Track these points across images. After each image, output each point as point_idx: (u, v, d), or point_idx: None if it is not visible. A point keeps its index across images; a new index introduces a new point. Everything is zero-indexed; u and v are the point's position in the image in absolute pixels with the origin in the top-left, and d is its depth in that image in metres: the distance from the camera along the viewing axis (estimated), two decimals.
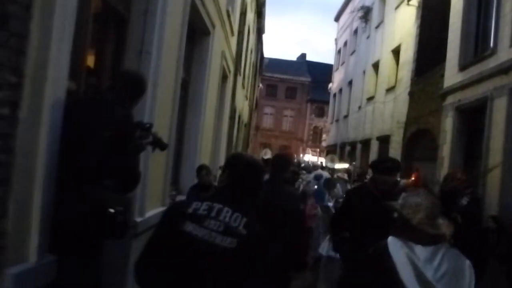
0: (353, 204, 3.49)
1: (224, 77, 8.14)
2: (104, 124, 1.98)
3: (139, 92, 2.32)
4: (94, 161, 1.95)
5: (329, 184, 7.40)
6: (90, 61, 2.73)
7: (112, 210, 1.93)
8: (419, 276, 1.69)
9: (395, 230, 1.90)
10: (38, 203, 1.81)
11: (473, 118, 8.32)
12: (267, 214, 2.56)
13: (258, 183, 2.01)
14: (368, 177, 4.58)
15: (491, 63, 7.53)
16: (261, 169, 2.06)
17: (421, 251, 1.76)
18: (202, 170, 5.08)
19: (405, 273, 1.71)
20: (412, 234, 1.82)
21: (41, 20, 1.68)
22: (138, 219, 3.22)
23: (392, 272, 1.72)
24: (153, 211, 3.58)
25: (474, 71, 8.14)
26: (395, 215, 2.18)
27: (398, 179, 4.67)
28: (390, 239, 1.85)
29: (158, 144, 2.30)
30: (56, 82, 1.85)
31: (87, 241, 1.99)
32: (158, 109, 3.38)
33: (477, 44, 8.68)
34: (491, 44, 7.78)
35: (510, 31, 7.00)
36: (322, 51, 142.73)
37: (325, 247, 5.93)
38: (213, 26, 5.74)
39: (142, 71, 2.92)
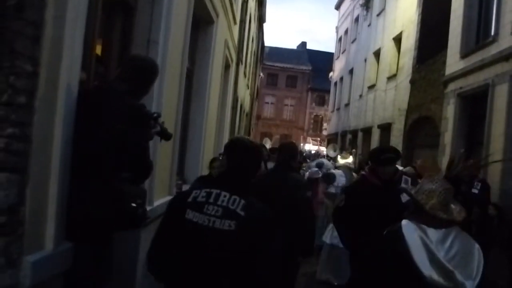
0: (355, 203, 3.36)
1: (227, 66, 8.12)
2: (117, 116, 1.97)
3: (150, 78, 2.27)
4: (112, 153, 1.95)
5: (328, 178, 7.42)
6: (98, 50, 2.72)
7: (134, 204, 1.98)
8: (432, 256, 1.75)
9: (409, 215, 1.95)
10: (54, 191, 1.82)
11: (475, 105, 8.32)
12: (275, 201, 2.58)
13: (255, 165, 1.98)
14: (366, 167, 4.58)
15: (492, 50, 7.50)
16: (259, 152, 2.04)
17: (433, 234, 1.82)
18: (214, 162, 5.05)
19: (418, 254, 1.77)
20: (425, 219, 1.87)
21: (55, 8, 1.68)
22: (148, 208, 3.24)
23: (406, 253, 1.78)
24: (161, 200, 3.60)
25: (476, 58, 8.12)
26: (403, 200, 2.21)
27: (399, 167, 4.67)
28: (404, 222, 1.90)
29: (164, 134, 2.30)
30: (70, 71, 1.85)
31: (104, 231, 2.02)
32: (164, 99, 3.38)
33: (479, 32, 8.65)
34: (493, 32, 7.76)
35: (511, 18, 6.97)
36: (323, 39, 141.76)
37: (328, 235, 5.96)
38: (217, 15, 5.71)
39: None
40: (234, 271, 1.74)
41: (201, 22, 5.53)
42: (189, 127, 5.60)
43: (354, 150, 15.73)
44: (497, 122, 7.13)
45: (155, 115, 2.23)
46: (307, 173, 8.03)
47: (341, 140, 20.67)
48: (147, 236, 3.06)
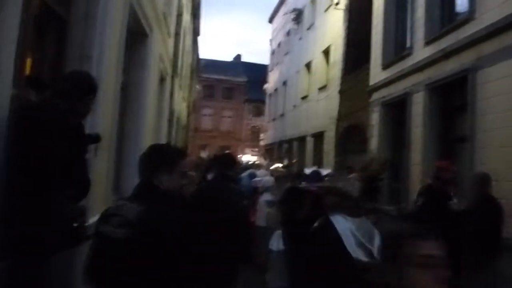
0: None
1: (162, 79, 8.14)
2: (59, 134, 1.99)
3: (88, 93, 2.30)
4: (57, 171, 1.96)
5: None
6: (31, 66, 2.70)
7: (75, 224, 1.99)
8: (357, 240, 2.11)
9: (332, 209, 2.30)
10: None
11: (397, 111, 9.05)
12: (212, 211, 2.74)
13: (152, 169, 1.93)
14: None
15: (409, 62, 8.27)
16: (158, 154, 2.00)
17: (354, 221, 2.21)
18: None
19: (348, 240, 2.11)
20: (344, 210, 2.24)
21: None
22: None
23: (338, 241, 2.11)
24: (97, 217, 3.57)
25: (396, 69, 8.88)
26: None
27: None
28: (331, 215, 2.25)
29: (92, 139, 2.34)
30: (1, 88, 1.86)
31: (43, 251, 2.01)
32: (99, 114, 3.38)
33: (397, 45, 9.46)
34: (408, 45, 8.54)
35: (423, 33, 7.75)
36: (259, 51, 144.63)
37: (274, 243, 6.14)
38: (151, 29, 5.76)
39: None
40: (154, 275, 1.75)
41: (136, 36, 5.54)
42: (125, 141, 5.54)
43: (295, 161, 16.29)
44: (416, 126, 7.83)
45: (95, 135, 2.29)
46: (253, 182, 8.15)
47: (278, 149, 21.20)
48: (83, 250, 3.04)
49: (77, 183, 2.14)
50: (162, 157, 1.93)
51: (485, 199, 4.37)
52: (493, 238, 4.13)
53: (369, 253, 2.06)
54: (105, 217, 1.84)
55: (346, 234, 2.12)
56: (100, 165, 3.60)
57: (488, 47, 5.85)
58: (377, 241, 2.13)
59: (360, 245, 2.09)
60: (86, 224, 3.18)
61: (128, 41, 4.82)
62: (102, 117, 3.48)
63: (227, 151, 22.83)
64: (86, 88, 2.30)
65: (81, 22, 3.11)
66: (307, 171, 7.33)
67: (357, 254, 2.06)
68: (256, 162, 16.24)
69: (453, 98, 7.14)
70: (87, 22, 3.13)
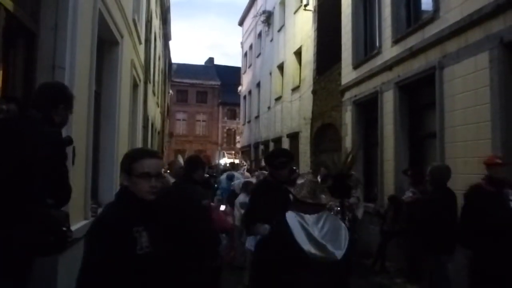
0: (262, 200, 3.68)
1: (135, 86, 8.08)
2: (37, 145, 2.00)
3: (63, 102, 2.33)
4: (37, 182, 1.98)
5: (246, 186, 7.70)
6: (1, 78, 2.67)
7: (64, 228, 2.02)
8: (309, 235, 2.28)
9: (290, 206, 2.51)
10: None
11: (368, 110, 9.27)
12: (172, 213, 2.87)
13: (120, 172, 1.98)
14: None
15: (378, 61, 8.48)
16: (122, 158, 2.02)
17: (309, 218, 2.35)
18: None
19: (298, 234, 2.29)
20: (300, 207, 2.42)
21: None
22: None
23: (289, 235, 2.29)
24: (77, 225, 3.56)
25: (366, 68, 9.09)
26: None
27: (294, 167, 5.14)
28: (287, 212, 2.43)
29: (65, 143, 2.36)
30: None
31: (27, 261, 2.01)
32: (74, 123, 3.37)
33: (366, 45, 9.69)
34: (377, 44, 8.77)
35: (390, 33, 7.98)
36: (233, 53, 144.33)
37: (251, 242, 6.22)
38: (121, 36, 5.73)
39: None
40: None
41: (106, 44, 5.51)
42: (101, 149, 5.50)
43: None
44: (387, 124, 8.05)
45: (68, 139, 2.30)
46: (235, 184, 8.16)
47: (254, 151, 21.30)
48: (64, 261, 3.03)
49: (59, 190, 2.16)
50: (122, 161, 1.95)
51: (443, 190, 4.58)
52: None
53: (320, 247, 2.25)
54: None
55: (297, 229, 2.29)
56: (77, 173, 3.58)
57: (452, 45, 6.09)
58: (342, 238, 2.35)
59: (311, 239, 2.26)
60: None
61: (99, 49, 4.79)
62: (76, 126, 3.46)
63: (194, 154, 22.90)
64: (60, 97, 2.33)
65: (51, 33, 3.09)
66: None
67: (309, 247, 2.24)
68: (236, 162, 16.27)
69: (422, 96, 7.38)
70: (57, 33, 3.12)
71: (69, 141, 2.31)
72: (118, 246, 1.72)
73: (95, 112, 5.06)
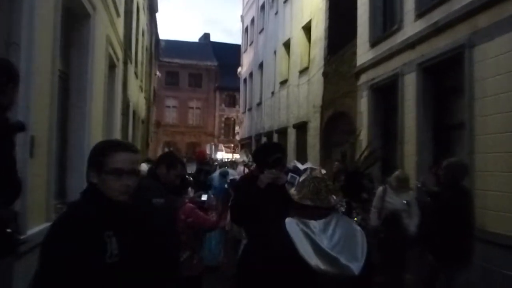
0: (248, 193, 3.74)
1: (111, 66, 8.11)
2: None
3: (9, 82, 2.31)
4: None
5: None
6: None
7: (9, 230, 2.04)
8: (315, 247, 2.09)
9: (291, 212, 2.32)
10: None
11: (387, 96, 9.27)
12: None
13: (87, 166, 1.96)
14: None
15: (398, 38, 8.48)
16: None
17: (314, 225, 2.18)
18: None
19: (302, 246, 2.10)
20: (302, 211, 2.25)
21: None
22: (20, 237, 3.24)
23: (291, 247, 2.11)
24: (36, 228, 3.58)
25: (384, 47, 9.10)
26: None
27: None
28: (287, 219, 2.25)
29: (15, 129, 2.37)
30: None
31: None
32: (33, 109, 3.41)
33: (385, 19, 9.67)
34: (398, 19, 8.74)
35: (414, 4, 7.95)
36: (233, 30, 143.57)
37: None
38: (93, 7, 5.75)
39: None
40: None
41: (75, 17, 5.53)
42: (69, 140, 5.55)
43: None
44: (408, 112, 8.06)
45: (20, 125, 2.34)
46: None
47: (256, 144, 21.29)
48: (21, 269, 3.08)
49: (5, 182, 2.18)
50: (90, 154, 1.93)
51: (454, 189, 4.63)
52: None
53: (331, 261, 2.07)
54: None
55: (300, 239, 2.13)
56: (37, 166, 3.62)
57: (484, 20, 6.07)
58: (358, 246, 2.15)
59: (319, 251, 2.09)
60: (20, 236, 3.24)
61: (65, 24, 4.81)
62: (35, 112, 3.50)
63: (171, 149, 23.02)
64: (4, 76, 2.30)
65: (5, 4, 3.12)
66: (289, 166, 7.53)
67: (316, 262, 2.07)
68: (236, 159, 16.32)
69: (448, 79, 7.38)
70: (12, 4, 3.14)
71: (19, 127, 2.33)
72: (85, 254, 1.69)
73: (62, 96, 5.11)
